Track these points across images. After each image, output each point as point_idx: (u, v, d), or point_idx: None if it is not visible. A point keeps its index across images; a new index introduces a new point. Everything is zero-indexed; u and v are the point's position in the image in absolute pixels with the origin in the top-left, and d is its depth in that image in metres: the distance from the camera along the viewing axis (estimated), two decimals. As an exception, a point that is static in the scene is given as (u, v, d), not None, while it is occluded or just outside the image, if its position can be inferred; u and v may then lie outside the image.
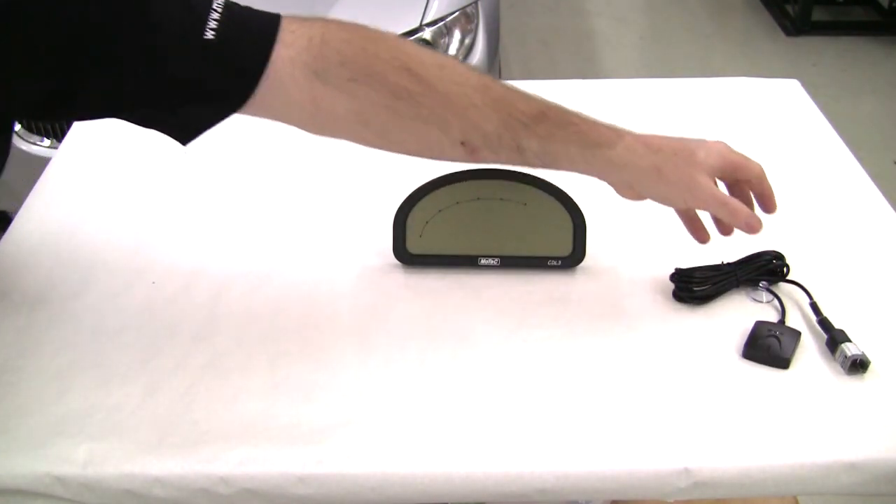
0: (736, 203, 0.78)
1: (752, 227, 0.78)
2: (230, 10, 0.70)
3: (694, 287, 0.82)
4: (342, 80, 0.74)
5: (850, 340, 0.76)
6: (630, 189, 0.81)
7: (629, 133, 0.77)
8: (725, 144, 0.79)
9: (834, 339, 0.76)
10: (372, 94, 0.74)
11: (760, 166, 0.80)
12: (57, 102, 0.70)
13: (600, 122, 0.77)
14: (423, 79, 0.74)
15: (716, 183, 0.78)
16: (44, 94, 0.69)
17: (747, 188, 0.81)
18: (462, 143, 0.76)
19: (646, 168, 0.78)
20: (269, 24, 0.72)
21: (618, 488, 0.68)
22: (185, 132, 0.75)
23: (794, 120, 1.14)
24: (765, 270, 0.85)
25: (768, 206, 0.81)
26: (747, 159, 0.80)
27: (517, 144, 0.76)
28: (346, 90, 0.74)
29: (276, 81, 0.72)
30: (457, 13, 2.04)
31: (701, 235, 0.84)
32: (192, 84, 0.71)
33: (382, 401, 0.73)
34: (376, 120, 0.77)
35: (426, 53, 0.75)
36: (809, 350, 0.78)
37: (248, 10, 0.72)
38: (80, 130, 1.14)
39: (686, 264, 0.84)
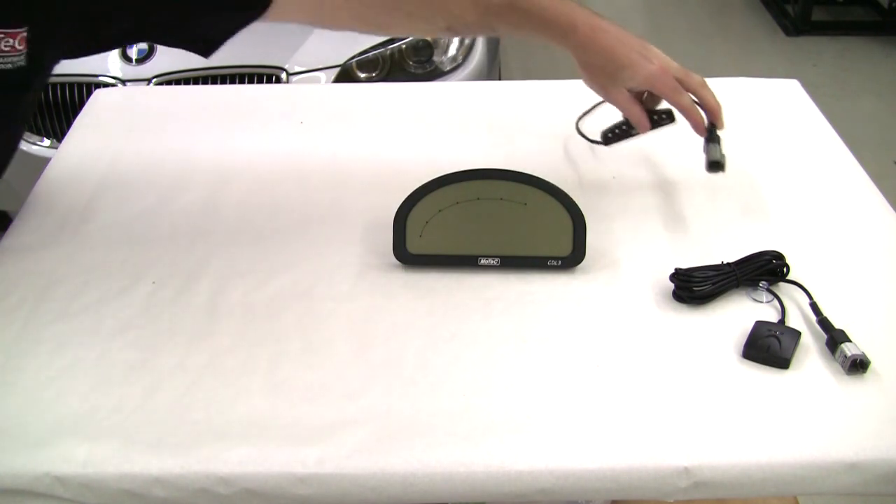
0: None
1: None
2: None
3: (694, 287, 0.82)
4: None
5: (850, 340, 0.76)
6: (586, 67, 0.94)
7: (583, 23, 0.91)
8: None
9: (834, 339, 0.76)
10: None
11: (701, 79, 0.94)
12: (94, 27, 0.83)
13: (562, 11, 0.91)
14: None
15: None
16: (84, 17, 0.80)
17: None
18: (447, 29, 0.94)
19: (600, 54, 0.91)
20: None
21: (618, 488, 0.68)
22: (209, 44, 0.90)
23: (794, 120, 1.14)
24: (765, 270, 0.84)
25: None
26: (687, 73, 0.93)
27: (493, 28, 0.93)
28: None
29: None
30: (457, 13, 2.04)
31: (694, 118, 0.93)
32: None
33: (382, 400, 0.73)
34: (373, 18, 0.93)
35: None
36: (809, 350, 0.78)
37: None
38: (80, 130, 1.14)
39: (686, 264, 0.84)
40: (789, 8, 3.71)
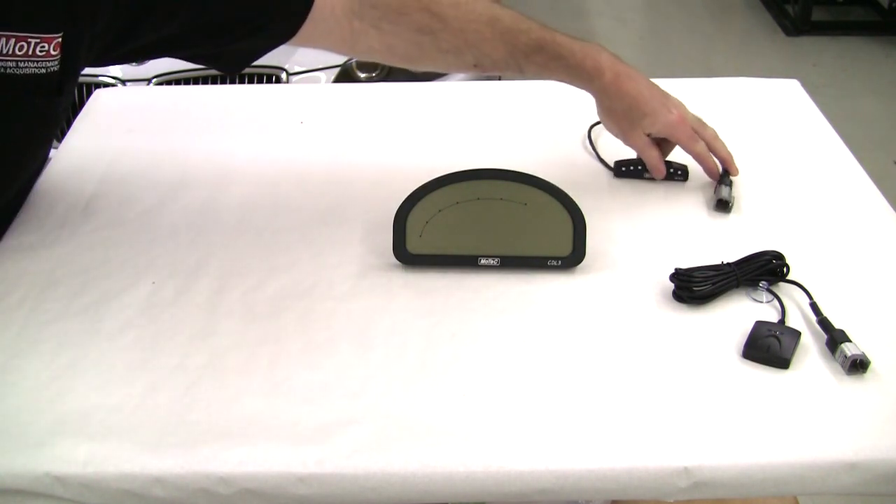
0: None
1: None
2: None
3: (694, 287, 0.82)
4: (374, 19, 0.91)
5: (850, 340, 0.76)
6: (608, 111, 0.98)
7: (609, 69, 0.94)
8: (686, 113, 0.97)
9: (834, 339, 0.76)
10: (398, 30, 0.91)
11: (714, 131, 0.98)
12: (125, 37, 0.85)
13: (589, 54, 0.94)
14: (441, 17, 0.90)
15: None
16: (116, 31, 0.83)
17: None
18: (475, 65, 0.95)
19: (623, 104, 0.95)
20: None
21: (618, 488, 0.68)
22: (236, 64, 0.94)
23: (794, 120, 1.14)
24: (765, 270, 0.84)
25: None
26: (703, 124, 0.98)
27: (519, 67, 0.94)
28: (377, 27, 0.91)
29: (320, 18, 0.89)
30: (457, 13, 2.04)
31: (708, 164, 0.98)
32: (250, 21, 0.88)
33: (382, 401, 0.73)
34: (403, 50, 0.94)
35: None
36: (809, 350, 0.78)
37: None
38: (80, 131, 1.14)
39: (686, 264, 0.84)
40: (789, 8, 3.71)
